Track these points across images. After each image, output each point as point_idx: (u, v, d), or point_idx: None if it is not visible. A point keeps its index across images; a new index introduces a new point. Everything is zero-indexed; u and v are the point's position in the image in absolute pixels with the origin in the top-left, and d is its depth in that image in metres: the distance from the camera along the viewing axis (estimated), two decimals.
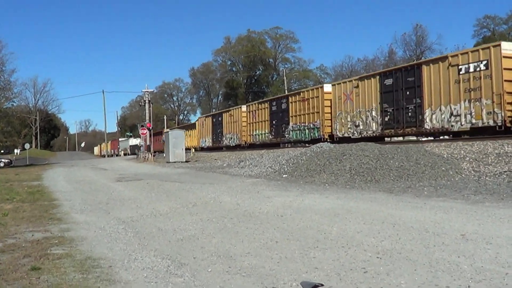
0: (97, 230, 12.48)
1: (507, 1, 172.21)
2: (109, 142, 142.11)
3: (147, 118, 69.04)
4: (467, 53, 27.86)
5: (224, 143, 64.58)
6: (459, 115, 28.41)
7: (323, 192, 18.13)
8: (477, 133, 28.07)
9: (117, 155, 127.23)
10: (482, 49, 27.20)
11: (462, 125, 28.50)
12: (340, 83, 41.14)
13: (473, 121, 27.62)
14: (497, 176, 18.66)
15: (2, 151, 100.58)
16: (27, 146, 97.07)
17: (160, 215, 14.75)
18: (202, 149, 73.94)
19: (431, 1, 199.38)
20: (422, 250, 8.62)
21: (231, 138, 62.04)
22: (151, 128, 68.69)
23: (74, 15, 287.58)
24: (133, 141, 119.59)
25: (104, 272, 8.18)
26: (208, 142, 71.36)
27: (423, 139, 34.68)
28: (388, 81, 34.32)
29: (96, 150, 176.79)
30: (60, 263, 8.84)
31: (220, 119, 66.46)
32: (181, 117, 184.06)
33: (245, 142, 57.51)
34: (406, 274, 7.35)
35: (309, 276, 7.52)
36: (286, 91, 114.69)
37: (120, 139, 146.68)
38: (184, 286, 7.37)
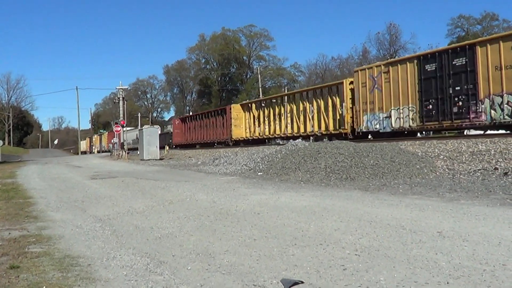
0: (74, 228, 12.42)
1: (481, 1, 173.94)
2: (106, 133, 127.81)
3: (121, 115, 68.87)
4: None
5: None
6: None
7: (299, 190, 18.17)
8: None
9: (105, 151, 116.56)
10: None
11: None
12: (365, 69, 37.53)
13: None
14: (471, 174, 18.83)
15: None
16: (0, 143, 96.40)
17: (137, 213, 14.70)
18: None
19: (405, 0, 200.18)
20: (400, 247, 8.68)
21: None
22: (125, 125, 68.48)
23: (47, 10, 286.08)
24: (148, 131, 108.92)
25: (84, 271, 8.15)
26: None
27: (473, 133, 32.42)
28: (430, 66, 30.56)
29: (84, 145, 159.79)
30: (38, 261, 8.79)
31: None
32: (154, 115, 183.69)
33: None
34: (385, 271, 7.40)
35: (288, 273, 7.55)
36: (260, 89, 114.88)
37: (128, 129, 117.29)
38: (164, 284, 7.36)
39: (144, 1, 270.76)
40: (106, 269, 8.25)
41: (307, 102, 45.31)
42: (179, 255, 9.04)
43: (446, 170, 20.22)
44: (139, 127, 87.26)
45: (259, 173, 25.73)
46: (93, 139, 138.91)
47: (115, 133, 71.28)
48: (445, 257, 7.94)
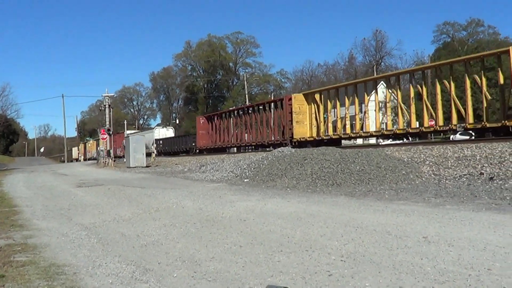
0: (60, 237, 12.39)
1: (466, 8, 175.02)
2: (112, 136, 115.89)
3: (107, 122, 68.64)
4: None
5: None
6: None
7: (285, 196, 18.18)
8: None
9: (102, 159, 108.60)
10: None
11: None
12: None
13: None
14: (457, 179, 18.89)
15: None
16: None
17: (123, 220, 14.70)
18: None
19: (391, 6, 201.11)
20: (386, 253, 8.71)
21: None
22: (111, 132, 68.38)
23: (33, 17, 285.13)
24: (163, 132, 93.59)
25: (69, 279, 8.14)
26: None
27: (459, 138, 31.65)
28: None
29: (76, 152, 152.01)
30: (24, 270, 8.78)
31: None
32: (141, 122, 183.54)
33: None
34: (371, 276, 7.42)
35: (274, 279, 7.57)
36: (246, 95, 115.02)
37: (130, 132, 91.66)
38: None
39: (130, 8, 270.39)
40: (92, 278, 8.24)
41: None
42: (165, 263, 9.04)
43: (432, 175, 20.27)
44: (125, 134, 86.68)
45: (245, 180, 25.74)
46: (88, 145, 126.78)
47: (101, 140, 71.04)
48: (431, 262, 7.97)
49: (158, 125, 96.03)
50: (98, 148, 79.08)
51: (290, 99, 45.52)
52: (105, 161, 64.54)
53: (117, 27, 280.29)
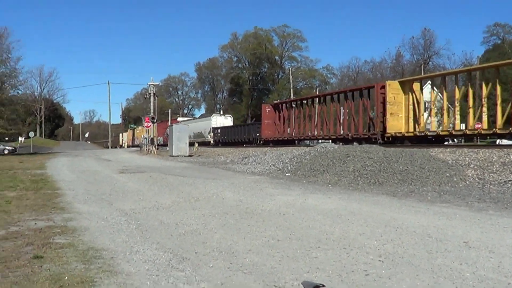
0: (100, 221, 12.48)
1: None
2: (156, 124, 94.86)
3: (151, 111, 68.96)
4: None
5: None
6: None
7: (326, 193, 18.10)
8: None
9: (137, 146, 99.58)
10: None
11: None
12: None
13: None
14: (501, 184, 18.63)
15: (6, 139, 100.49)
16: (31, 134, 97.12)
17: (163, 208, 14.75)
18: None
19: (441, 5, 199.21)
20: (425, 256, 8.60)
21: None
22: (155, 121, 68.75)
23: (82, 4, 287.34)
24: (221, 121, 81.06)
25: (106, 263, 8.18)
26: None
27: (506, 142, 31.39)
28: None
29: (124, 137, 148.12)
30: (62, 252, 8.84)
31: None
32: (185, 111, 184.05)
33: None
34: (408, 278, 7.34)
35: (310, 276, 7.51)
36: (291, 89, 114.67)
37: (182, 120, 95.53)
38: (185, 281, 7.35)
39: None
40: (129, 263, 8.26)
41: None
42: (202, 252, 9.04)
43: (476, 179, 20.03)
44: (169, 123, 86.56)
45: (287, 174, 25.69)
46: (137, 131, 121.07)
47: (145, 128, 71.42)
48: (470, 268, 7.85)
49: (214, 113, 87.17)
50: (142, 136, 79.23)
51: (383, 86, 40.17)
52: (148, 149, 64.88)
53: (165, 17, 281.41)
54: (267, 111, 60.51)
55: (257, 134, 61.78)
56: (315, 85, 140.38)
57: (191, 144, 62.43)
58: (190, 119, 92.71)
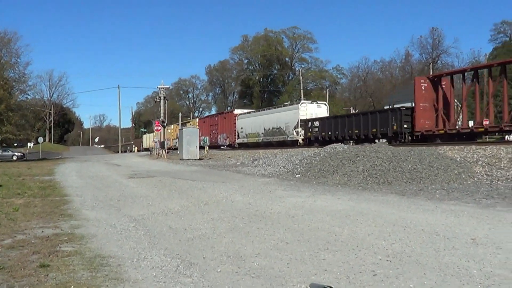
0: (108, 228, 12.49)
1: None
2: (193, 120, 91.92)
3: (162, 114, 69.07)
4: None
5: None
6: None
7: (335, 193, 18.12)
8: None
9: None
10: None
11: None
12: None
13: None
14: (509, 180, 18.66)
15: (15, 144, 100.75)
16: (40, 140, 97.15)
17: (172, 213, 14.76)
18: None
19: (448, 4, 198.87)
20: (432, 254, 8.61)
21: None
22: (165, 124, 68.82)
23: (91, 8, 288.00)
24: (312, 110, 58.06)
25: (113, 271, 8.19)
26: None
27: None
28: None
29: (147, 140, 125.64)
30: (69, 260, 8.86)
31: None
32: (196, 114, 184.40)
33: None
34: (415, 277, 7.35)
35: (318, 278, 7.53)
36: (301, 91, 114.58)
37: (241, 112, 76.10)
38: (193, 287, 7.38)
39: (189, 1, 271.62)
40: (136, 270, 8.28)
41: None
42: (210, 257, 9.05)
43: (484, 176, 20.05)
44: (180, 125, 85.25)
45: (297, 175, 25.70)
46: (169, 131, 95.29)
47: (156, 132, 71.47)
48: (477, 265, 7.86)
49: (302, 100, 67.91)
50: (154, 139, 75.97)
51: None
52: (159, 153, 64.96)
53: (174, 20, 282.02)
54: (422, 87, 39.75)
55: (404, 126, 40.48)
56: (325, 86, 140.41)
57: (268, 144, 58.37)
58: (253, 111, 74.28)
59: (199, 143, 56.89)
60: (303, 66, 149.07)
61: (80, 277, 7.82)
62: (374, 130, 43.85)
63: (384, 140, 43.09)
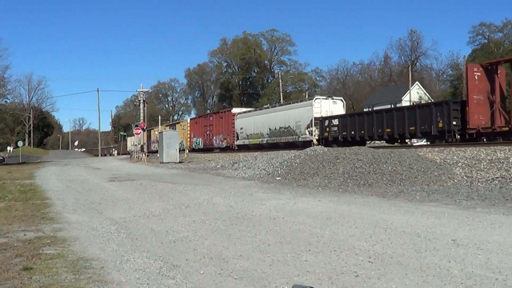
0: (90, 231, 12.48)
1: (503, 9, 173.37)
2: (184, 121, 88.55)
3: (142, 118, 68.85)
4: None
5: None
6: None
7: (316, 195, 18.17)
8: None
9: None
10: None
11: None
12: None
13: None
14: (489, 182, 18.77)
15: None
16: (20, 143, 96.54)
17: (153, 216, 14.75)
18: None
19: (427, 6, 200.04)
20: (414, 255, 8.67)
21: None
22: (145, 128, 68.59)
23: (70, 12, 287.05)
24: (327, 107, 50.74)
25: (96, 273, 8.20)
26: None
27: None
28: None
29: (131, 142, 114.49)
30: (52, 263, 8.86)
31: None
32: (175, 117, 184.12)
33: None
34: (397, 278, 7.40)
35: (301, 279, 7.57)
36: (281, 93, 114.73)
37: (239, 110, 68.94)
38: None
39: (167, 3, 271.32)
40: (119, 272, 8.29)
41: None
42: (192, 259, 9.07)
43: (464, 177, 20.16)
44: (159, 129, 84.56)
45: (277, 178, 25.73)
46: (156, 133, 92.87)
47: (135, 135, 71.20)
48: (458, 265, 7.93)
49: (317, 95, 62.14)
50: (133, 143, 74.13)
51: None
52: (138, 156, 64.76)
53: (153, 23, 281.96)
54: (475, 76, 33.92)
55: (453, 123, 34.06)
56: (304, 88, 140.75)
57: (274, 146, 53.33)
58: (255, 110, 67.60)
59: (179, 147, 55.75)
60: (282, 68, 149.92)
61: (63, 279, 7.83)
62: (412, 128, 37.20)
63: (424, 141, 41.30)
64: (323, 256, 8.87)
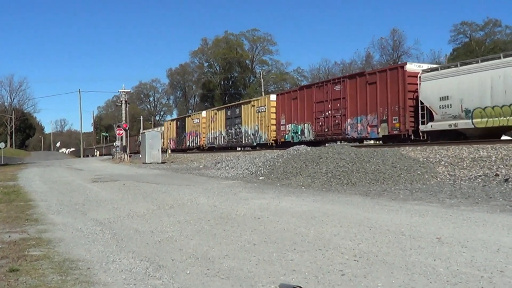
0: (74, 232, 12.43)
1: (484, 8, 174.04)
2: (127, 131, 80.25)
3: (124, 118, 68.75)
4: None
5: None
6: None
7: (300, 195, 18.18)
8: None
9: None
10: None
11: None
12: None
13: None
14: (472, 180, 18.85)
15: None
16: (1, 145, 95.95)
17: (137, 216, 14.72)
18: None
19: (408, 5, 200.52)
20: (399, 253, 8.70)
21: None
22: (127, 128, 68.42)
23: (50, 13, 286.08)
24: None
25: (83, 274, 8.17)
26: None
27: None
28: None
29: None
30: (38, 264, 8.81)
31: None
32: (157, 118, 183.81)
33: None
34: (383, 276, 7.42)
35: (287, 278, 7.57)
36: (263, 93, 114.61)
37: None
38: None
39: (147, 4, 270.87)
40: (105, 273, 8.27)
41: None
42: (178, 259, 9.06)
43: (447, 176, 20.26)
44: (141, 130, 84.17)
45: (260, 178, 25.75)
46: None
47: (117, 136, 70.99)
48: (444, 263, 7.96)
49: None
50: (116, 143, 73.47)
51: None
52: (121, 157, 64.61)
53: (134, 23, 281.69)
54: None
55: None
56: (286, 88, 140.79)
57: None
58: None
59: (161, 147, 54.65)
60: (264, 68, 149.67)
61: (50, 280, 7.79)
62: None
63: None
64: (308, 255, 8.88)
